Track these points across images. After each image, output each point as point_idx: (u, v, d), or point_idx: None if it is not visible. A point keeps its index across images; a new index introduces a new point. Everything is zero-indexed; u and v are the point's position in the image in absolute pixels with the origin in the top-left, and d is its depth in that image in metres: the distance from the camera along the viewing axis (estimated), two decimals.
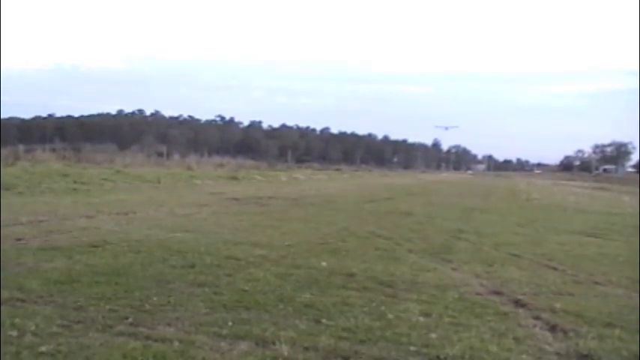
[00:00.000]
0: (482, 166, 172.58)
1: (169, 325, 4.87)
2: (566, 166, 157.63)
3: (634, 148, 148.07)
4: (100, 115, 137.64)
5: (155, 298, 5.70)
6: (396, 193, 29.07)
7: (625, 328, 5.22)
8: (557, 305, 5.97)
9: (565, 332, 5.06)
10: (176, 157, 65.01)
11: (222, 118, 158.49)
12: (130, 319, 4.97)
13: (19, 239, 8.94)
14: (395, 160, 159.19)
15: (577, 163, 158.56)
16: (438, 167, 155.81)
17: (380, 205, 19.55)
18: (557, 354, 4.49)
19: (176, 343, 4.37)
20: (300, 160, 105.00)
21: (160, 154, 68.28)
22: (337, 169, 73.72)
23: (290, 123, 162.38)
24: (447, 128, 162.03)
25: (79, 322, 4.87)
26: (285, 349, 4.31)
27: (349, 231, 11.90)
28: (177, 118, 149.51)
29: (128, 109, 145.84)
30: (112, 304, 5.42)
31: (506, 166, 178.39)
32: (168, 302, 5.57)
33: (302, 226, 12.55)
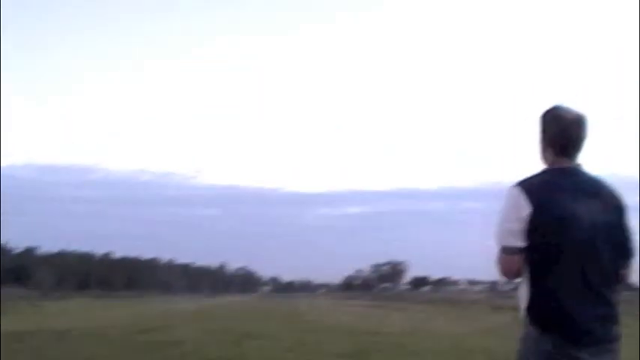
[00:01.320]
0: (267, 288, 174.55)
1: None
2: (348, 285, 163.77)
3: (407, 266, 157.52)
4: None
5: None
6: (174, 320, 28.41)
7: None
8: None
9: None
10: None
11: None
12: None
13: None
14: (181, 284, 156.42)
15: (358, 282, 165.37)
16: (225, 290, 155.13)
17: (150, 336, 18.93)
18: None
19: None
20: (80, 288, 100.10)
21: None
22: (118, 297, 71.04)
23: (68, 248, 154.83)
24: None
25: None
26: None
27: None
28: None
29: None
30: None
31: (290, 287, 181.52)
32: None
33: None
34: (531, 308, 3.12)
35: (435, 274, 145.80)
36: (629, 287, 4.89)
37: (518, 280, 3.19)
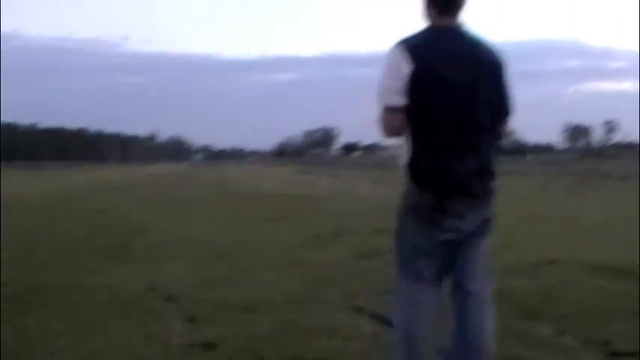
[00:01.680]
0: (199, 157, 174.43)
1: None
2: (279, 152, 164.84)
3: (339, 132, 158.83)
4: None
5: None
6: (99, 189, 28.31)
7: (257, 311, 5.62)
8: (207, 296, 6.23)
9: (200, 322, 5.30)
10: None
11: None
12: None
13: None
14: (110, 153, 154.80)
15: (289, 149, 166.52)
16: (156, 159, 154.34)
17: (75, 204, 18.87)
18: (183, 345, 4.67)
19: None
20: (6, 160, 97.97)
21: None
22: (45, 167, 69.98)
23: None
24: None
25: None
26: None
27: (29, 235, 11.35)
28: None
29: None
30: None
31: (221, 154, 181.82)
32: None
33: None
34: (410, 165, 3.21)
35: (365, 141, 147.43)
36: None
37: (399, 138, 3.26)
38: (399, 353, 3.32)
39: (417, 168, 3.19)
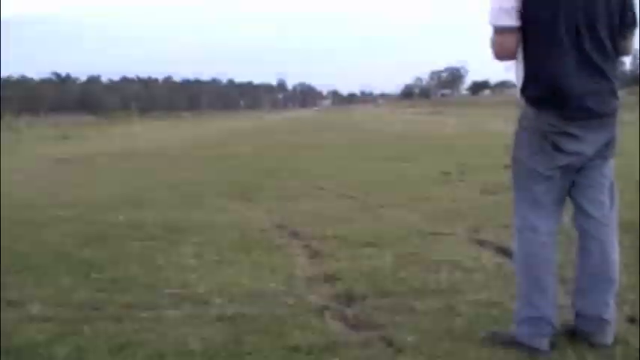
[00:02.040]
0: (327, 102, 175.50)
1: None
2: (407, 94, 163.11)
3: (466, 71, 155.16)
4: None
5: None
6: (231, 137, 29.12)
7: (379, 246, 5.65)
8: (329, 232, 6.33)
9: (323, 257, 5.40)
10: (8, 118, 61.60)
11: (58, 75, 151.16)
12: None
13: None
14: (241, 103, 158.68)
15: (417, 90, 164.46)
16: (285, 106, 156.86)
17: (208, 151, 19.52)
18: (306, 278, 4.79)
19: None
20: (144, 112, 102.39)
21: None
22: (179, 118, 72.72)
23: (130, 75, 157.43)
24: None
25: None
26: (35, 308, 4.35)
27: (165, 181, 11.90)
28: (7, 79, 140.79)
29: None
30: None
31: (350, 99, 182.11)
32: None
33: (117, 180, 12.40)
34: (526, 87, 3.09)
35: (494, 79, 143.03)
36: None
37: (513, 59, 3.14)
38: (520, 280, 3.26)
39: (534, 90, 3.06)
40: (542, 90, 3.03)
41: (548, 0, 2.94)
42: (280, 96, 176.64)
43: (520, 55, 3.08)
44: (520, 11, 2.97)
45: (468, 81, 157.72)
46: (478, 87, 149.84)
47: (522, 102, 3.14)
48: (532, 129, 3.11)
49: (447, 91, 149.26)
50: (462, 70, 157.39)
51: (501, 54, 3.11)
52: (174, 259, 5.57)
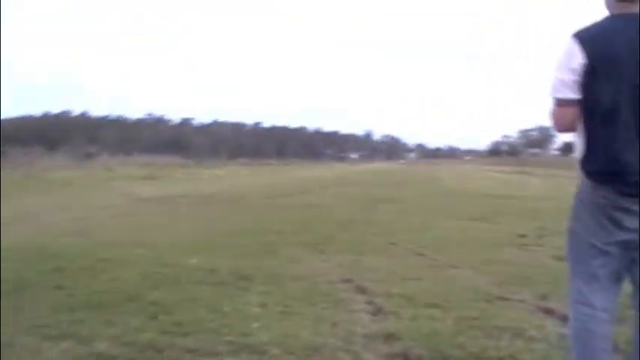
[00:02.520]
0: (413, 155, 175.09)
1: (2, 329, 5.03)
2: (495, 151, 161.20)
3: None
4: (23, 118, 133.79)
5: (10, 305, 5.83)
6: (314, 186, 29.43)
7: (443, 307, 5.61)
8: (395, 290, 6.32)
9: (385, 314, 5.41)
10: (104, 157, 64.07)
11: (153, 115, 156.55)
12: None
13: None
14: (327, 152, 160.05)
15: (505, 148, 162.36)
16: (371, 158, 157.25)
17: (289, 200, 19.84)
18: (365, 335, 4.81)
19: None
20: (232, 156, 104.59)
21: (89, 155, 67.15)
22: (266, 164, 73.92)
23: (222, 119, 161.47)
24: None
25: None
26: (102, 346, 4.53)
27: (242, 227, 12.16)
28: (106, 117, 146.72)
29: (54, 110, 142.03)
30: None
31: (437, 153, 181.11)
32: (14, 307, 5.72)
33: (196, 224, 12.76)
34: (585, 161, 3.09)
35: None
36: None
37: (572, 132, 3.15)
38: (574, 356, 3.22)
39: (591, 164, 3.06)
40: (600, 164, 3.02)
41: (609, 75, 2.95)
42: (366, 147, 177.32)
43: (580, 127, 3.09)
44: (580, 85, 2.99)
45: (558, 141, 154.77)
46: (569, 148, 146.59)
47: (581, 175, 3.13)
48: (590, 202, 3.09)
49: (535, 150, 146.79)
50: (552, 130, 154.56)
51: (561, 126, 3.13)
52: (240, 307, 5.70)
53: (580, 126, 3.08)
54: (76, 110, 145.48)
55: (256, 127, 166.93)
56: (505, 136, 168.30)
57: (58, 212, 15.24)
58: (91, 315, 5.44)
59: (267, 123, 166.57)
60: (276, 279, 7.02)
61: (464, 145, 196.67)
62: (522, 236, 10.53)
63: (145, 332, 4.89)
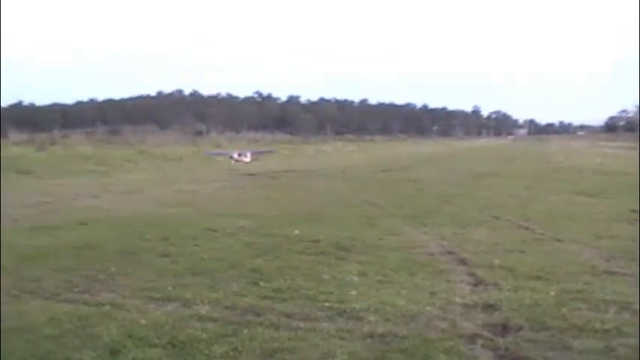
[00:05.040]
0: (523, 131, 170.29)
1: (113, 291, 5.26)
2: (611, 127, 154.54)
3: None
4: (140, 98, 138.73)
5: (113, 269, 6.08)
6: (417, 161, 29.19)
7: (546, 280, 5.47)
8: (497, 262, 6.20)
9: (486, 285, 5.32)
10: (214, 134, 65.67)
11: (260, 94, 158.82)
12: (79, 288, 5.38)
13: (14, 219, 9.44)
14: (434, 128, 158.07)
15: (622, 123, 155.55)
16: (479, 134, 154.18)
17: (392, 174, 19.79)
18: (464, 305, 4.75)
19: (107, 307, 4.75)
20: (338, 133, 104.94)
21: (199, 133, 69.00)
22: (370, 140, 73.82)
23: (328, 96, 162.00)
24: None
25: (29, 291, 5.30)
26: (204, 309, 4.67)
27: (345, 200, 12.23)
28: (215, 96, 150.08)
29: (167, 90, 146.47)
30: (70, 275, 5.85)
31: (548, 129, 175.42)
32: (123, 272, 5.98)
33: (300, 197, 12.93)
34: None
35: None
36: None
37: None
38: None
39: None
40: None
41: None
42: (474, 124, 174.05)
43: None
44: None
45: None
46: None
47: None
48: None
49: None
50: None
51: None
52: (339, 275, 5.73)
53: None
54: (187, 89, 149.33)
55: (362, 103, 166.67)
56: (623, 111, 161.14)
57: (167, 185, 15.75)
58: (195, 280, 5.61)
59: (372, 100, 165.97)
60: (376, 249, 7.02)
61: (577, 120, 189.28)
62: (634, 211, 10.06)
63: (245, 297, 5.01)
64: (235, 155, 22.23)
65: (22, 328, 4.31)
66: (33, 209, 10.84)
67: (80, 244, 7.39)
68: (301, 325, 4.31)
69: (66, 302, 4.95)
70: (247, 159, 22.33)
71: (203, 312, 4.61)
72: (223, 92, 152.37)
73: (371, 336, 4.07)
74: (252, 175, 19.56)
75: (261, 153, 26.31)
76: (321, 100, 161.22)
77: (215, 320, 4.44)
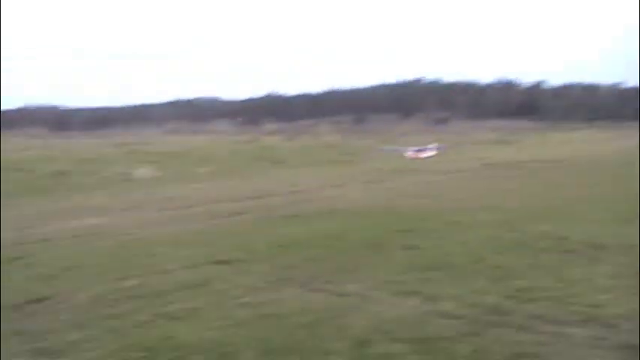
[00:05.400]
0: None
1: (359, 282, 5.43)
2: None
3: None
4: (379, 86, 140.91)
5: (365, 260, 6.28)
6: None
7: None
8: None
9: None
10: (455, 122, 65.22)
11: (503, 80, 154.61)
12: (327, 278, 5.61)
13: (269, 209, 10.08)
14: None
15: None
16: None
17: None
18: None
19: (353, 298, 4.91)
20: (587, 120, 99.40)
21: (441, 121, 68.89)
22: (627, 127, 68.82)
23: (575, 80, 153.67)
24: None
25: (283, 279, 5.63)
26: (448, 305, 4.65)
27: (598, 194, 11.47)
28: (457, 83, 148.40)
29: (408, 78, 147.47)
30: (318, 265, 6.14)
31: None
32: (368, 263, 6.13)
33: (548, 189, 12.38)
34: None
35: None
36: None
37: None
38: None
39: None
40: None
41: None
42: None
43: None
44: None
45: None
46: None
47: None
48: None
49: None
50: None
51: None
52: (590, 277, 5.42)
53: None
54: (429, 77, 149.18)
55: (614, 87, 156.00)
56: None
57: (406, 176, 15.90)
58: (437, 275, 5.61)
59: (629, 83, 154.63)
60: (634, 250, 6.50)
61: None
62: None
63: (488, 295, 4.92)
64: (410, 152, 21.89)
65: (278, 314, 4.57)
66: (284, 198, 11.49)
67: (328, 233, 7.71)
68: (548, 329, 4.14)
69: (317, 292, 5.19)
70: (427, 154, 21.91)
71: (447, 308, 4.60)
72: (465, 79, 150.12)
73: (625, 347, 3.81)
74: (496, 164, 19.14)
75: (432, 149, 24.99)
76: (570, 84, 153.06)
77: (459, 318, 4.41)
